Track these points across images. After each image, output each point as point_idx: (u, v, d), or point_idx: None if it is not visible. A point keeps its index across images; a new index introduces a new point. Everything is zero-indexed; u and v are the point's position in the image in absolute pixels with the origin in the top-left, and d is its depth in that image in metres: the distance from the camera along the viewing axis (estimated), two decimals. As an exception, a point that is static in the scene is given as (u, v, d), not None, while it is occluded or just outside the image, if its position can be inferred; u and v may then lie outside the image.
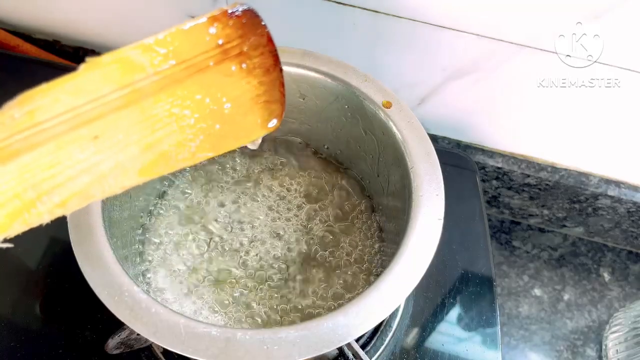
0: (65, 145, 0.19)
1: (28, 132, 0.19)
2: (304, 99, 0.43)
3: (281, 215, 0.44)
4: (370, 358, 0.41)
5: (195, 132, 0.22)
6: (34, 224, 0.20)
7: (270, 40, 0.23)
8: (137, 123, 0.21)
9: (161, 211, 0.44)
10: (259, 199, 0.45)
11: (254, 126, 0.24)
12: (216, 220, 0.44)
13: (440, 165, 0.36)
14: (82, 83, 0.19)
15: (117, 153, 0.21)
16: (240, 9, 0.22)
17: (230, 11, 0.21)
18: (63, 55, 0.61)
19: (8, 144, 0.18)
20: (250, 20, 0.22)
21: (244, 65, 0.22)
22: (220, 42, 0.21)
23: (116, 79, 0.20)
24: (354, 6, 0.46)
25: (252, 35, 0.22)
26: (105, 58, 0.20)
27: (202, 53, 0.21)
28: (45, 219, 0.20)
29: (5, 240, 0.20)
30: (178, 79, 0.21)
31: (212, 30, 0.21)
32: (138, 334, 0.29)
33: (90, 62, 0.19)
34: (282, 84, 0.24)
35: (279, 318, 0.39)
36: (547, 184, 0.55)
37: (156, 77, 0.20)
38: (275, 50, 0.23)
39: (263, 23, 0.22)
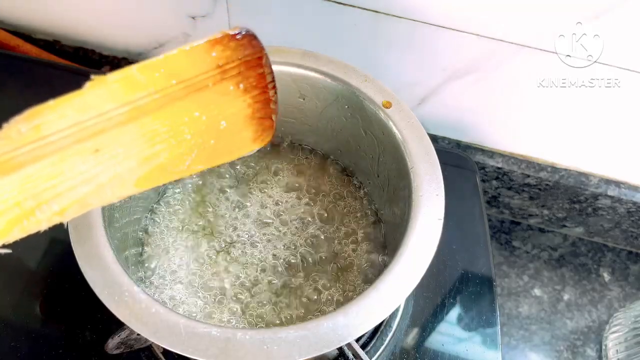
0: (67, 158, 0.20)
1: (33, 145, 0.19)
2: (304, 99, 0.43)
3: (281, 215, 0.45)
4: (371, 358, 0.41)
5: (191, 147, 0.23)
6: (32, 231, 0.21)
7: (267, 62, 0.24)
8: (136, 138, 0.22)
9: (161, 212, 0.44)
10: (258, 199, 0.45)
11: (247, 141, 0.25)
12: (216, 221, 0.44)
13: (440, 165, 0.36)
14: (87, 100, 0.20)
15: (116, 165, 0.22)
16: (242, 33, 0.23)
17: (231, 34, 0.22)
18: (63, 55, 0.61)
19: (13, 156, 0.19)
20: (250, 43, 0.23)
21: (241, 86, 0.24)
22: (220, 63, 0.22)
23: (119, 96, 0.21)
24: (354, 6, 0.46)
25: (251, 58, 0.23)
26: (110, 77, 0.21)
27: (202, 73, 0.22)
28: (44, 226, 0.21)
29: (4, 246, 0.20)
30: (178, 98, 0.22)
31: (213, 52, 0.22)
32: (138, 334, 0.29)
33: (96, 80, 0.20)
34: (276, 102, 0.25)
35: (279, 319, 0.39)
36: (547, 184, 0.55)
37: (157, 96, 0.21)
38: (272, 72, 0.25)
39: (261, 45, 0.24)
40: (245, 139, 0.25)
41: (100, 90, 0.20)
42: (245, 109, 0.24)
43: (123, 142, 0.21)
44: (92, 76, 0.20)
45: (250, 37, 0.23)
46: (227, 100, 0.23)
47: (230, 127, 0.24)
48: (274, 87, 0.24)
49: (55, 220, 0.21)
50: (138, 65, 0.21)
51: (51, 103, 0.19)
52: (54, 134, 0.20)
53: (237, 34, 0.22)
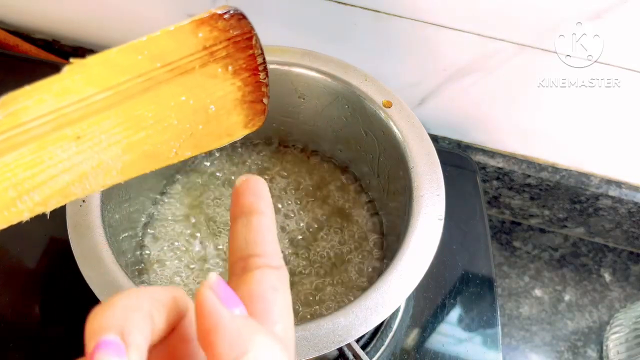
0: (47, 145, 0.20)
1: (10, 133, 0.19)
2: (303, 99, 0.43)
3: (281, 216, 0.44)
4: (371, 359, 0.41)
5: (178, 133, 0.22)
6: (14, 221, 0.20)
7: (257, 42, 0.23)
8: (120, 124, 0.21)
9: (160, 212, 0.44)
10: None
11: (237, 126, 0.24)
12: (215, 222, 0.44)
13: (441, 166, 0.36)
14: (66, 84, 0.19)
15: (99, 153, 0.21)
16: (230, 12, 0.22)
17: (219, 13, 0.22)
18: (62, 54, 0.61)
19: None
20: (238, 23, 0.22)
21: (230, 68, 0.22)
22: (207, 44, 0.21)
23: (100, 80, 0.20)
24: (354, 6, 0.45)
25: (240, 38, 0.22)
26: (90, 60, 0.20)
27: (188, 55, 0.21)
28: (25, 216, 0.20)
29: None
30: (162, 81, 0.21)
31: (200, 32, 0.21)
32: (137, 335, 0.29)
33: (76, 63, 0.19)
34: (267, 85, 0.24)
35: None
36: (547, 185, 0.55)
37: (140, 79, 0.21)
38: (262, 53, 0.24)
39: (251, 25, 0.23)
40: (235, 124, 0.24)
41: (80, 74, 0.19)
42: (234, 92, 0.23)
43: (106, 128, 0.20)
44: (72, 59, 0.19)
45: (239, 17, 0.22)
46: (216, 83, 0.22)
47: (219, 111, 0.23)
48: (265, 69, 0.23)
49: (38, 211, 0.20)
50: (119, 47, 0.20)
51: (28, 88, 0.19)
52: (32, 120, 0.19)
53: (225, 13, 0.21)
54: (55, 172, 0.20)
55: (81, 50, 0.60)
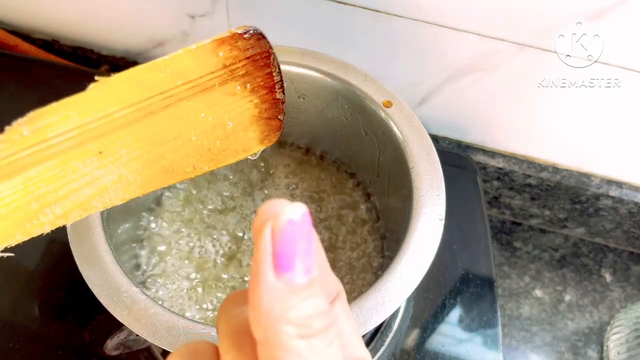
0: (70, 160, 0.20)
1: (36, 148, 0.19)
2: (303, 99, 0.43)
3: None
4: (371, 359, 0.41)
5: (196, 148, 0.23)
6: (35, 234, 0.21)
7: (275, 61, 0.24)
8: (141, 139, 0.22)
9: (161, 212, 0.44)
10: (258, 201, 0.45)
11: (253, 142, 0.25)
12: (216, 223, 0.44)
13: (441, 166, 0.36)
14: (91, 102, 0.20)
15: (120, 167, 0.22)
16: (250, 32, 0.23)
17: (239, 33, 0.22)
18: (62, 54, 0.61)
19: (16, 159, 0.19)
20: (258, 42, 0.23)
21: (248, 86, 0.23)
22: (227, 63, 0.22)
23: (124, 97, 0.21)
24: (354, 5, 0.45)
25: (259, 57, 0.23)
26: (114, 78, 0.20)
27: (208, 74, 0.22)
28: (47, 229, 0.21)
29: (6, 249, 0.21)
30: (183, 98, 0.22)
31: (220, 51, 0.22)
32: (137, 335, 0.29)
33: (100, 81, 0.20)
34: (284, 102, 0.25)
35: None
36: (548, 185, 0.55)
37: (162, 96, 0.21)
38: (280, 71, 0.25)
39: (269, 45, 0.24)
40: (252, 140, 0.25)
41: (104, 91, 0.20)
42: (252, 109, 0.24)
43: (127, 143, 0.21)
44: (97, 77, 0.20)
45: (258, 36, 0.22)
46: (234, 100, 0.23)
47: (236, 127, 0.24)
48: (282, 87, 0.24)
49: (59, 223, 0.21)
50: (143, 65, 0.21)
51: (54, 105, 0.19)
52: (57, 136, 0.19)
53: (245, 32, 0.22)
54: (77, 186, 0.21)
55: (81, 51, 0.60)
